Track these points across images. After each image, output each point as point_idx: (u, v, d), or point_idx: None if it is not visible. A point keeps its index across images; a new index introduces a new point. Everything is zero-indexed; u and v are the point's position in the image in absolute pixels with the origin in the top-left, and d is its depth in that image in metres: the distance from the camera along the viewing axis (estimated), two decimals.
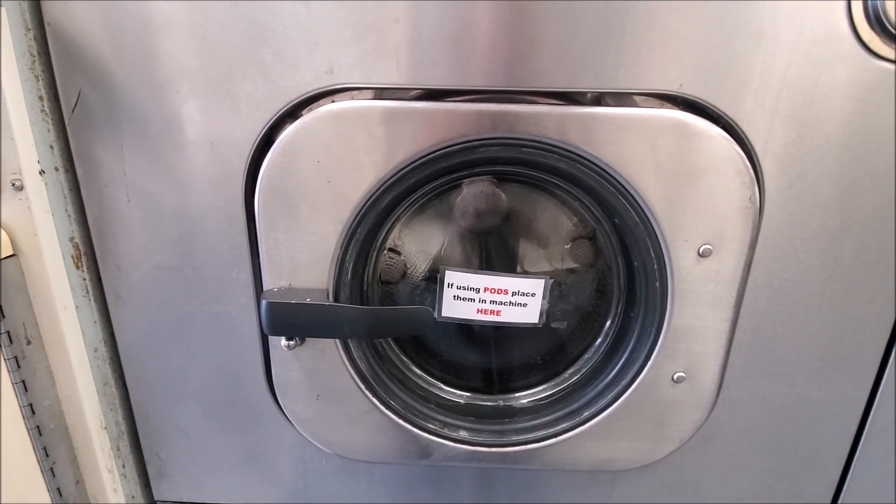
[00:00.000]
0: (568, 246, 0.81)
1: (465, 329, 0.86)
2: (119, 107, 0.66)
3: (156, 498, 0.93)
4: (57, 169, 0.71)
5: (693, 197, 0.65)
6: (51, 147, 0.70)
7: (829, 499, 0.87)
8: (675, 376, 0.75)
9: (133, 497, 0.92)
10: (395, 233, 0.80)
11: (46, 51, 0.65)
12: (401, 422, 0.79)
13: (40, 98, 0.68)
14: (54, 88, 0.67)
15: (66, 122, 0.68)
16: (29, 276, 0.72)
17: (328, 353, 0.75)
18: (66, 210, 0.73)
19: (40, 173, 0.69)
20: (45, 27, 0.64)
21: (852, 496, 0.86)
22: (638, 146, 0.63)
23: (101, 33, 0.63)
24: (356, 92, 0.64)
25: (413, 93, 0.64)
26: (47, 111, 0.69)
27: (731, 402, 0.79)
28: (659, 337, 0.73)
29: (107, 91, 0.65)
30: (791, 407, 0.80)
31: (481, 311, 0.78)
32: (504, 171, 0.73)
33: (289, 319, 0.69)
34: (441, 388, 0.87)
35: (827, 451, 0.83)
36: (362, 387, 0.77)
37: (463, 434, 0.81)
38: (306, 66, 0.62)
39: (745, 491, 0.87)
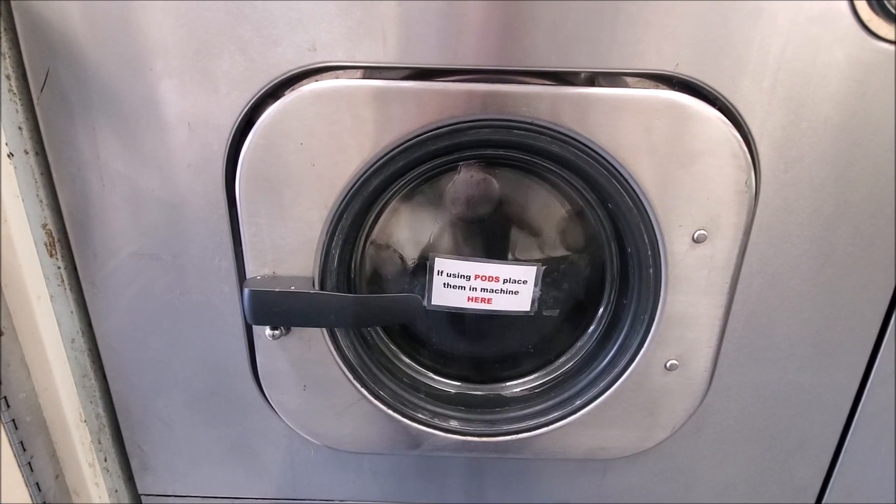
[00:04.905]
0: (561, 233, 0.80)
1: (456, 317, 0.85)
2: (90, 86, 0.63)
3: (140, 492, 0.92)
4: (27, 152, 0.68)
5: (688, 181, 0.64)
6: (19, 129, 0.67)
7: (818, 485, 0.87)
8: (668, 364, 0.74)
9: (116, 491, 0.90)
10: (383, 219, 0.78)
11: (13, 26, 0.62)
12: (390, 412, 0.78)
13: (7, 77, 0.65)
14: (22, 66, 0.64)
15: (35, 102, 0.65)
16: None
17: (315, 343, 0.73)
18: (38, 195, 0.71)
19: (9, 156, 0.66)
20: (11, 1, 0.60)
21: (842, 482, 0.86)
22: (632, 128, 0.61)
23: (70, 8, 0.60)
24: (340, 71, 0.62)
25: (400, 72, 0.62)
26: (15, 91, 0.65)
27: (723, 390, 0.79)
28: (652, 324, 0.72)
29: (77, 69, 0.62)
30: (783, 394, 0.80)
31: (472, 299, 0.77)
32: (495, 155, 0.71)
33: (273, 308, 0.67)
34: (431, 378, 0.86)
35: (817, 438, 0.83)
36: (350, 377, 0.76)
37: (453, 424, 0.80)
38: (288, 43, 0.60)
39: (736, 477, 0.87)
